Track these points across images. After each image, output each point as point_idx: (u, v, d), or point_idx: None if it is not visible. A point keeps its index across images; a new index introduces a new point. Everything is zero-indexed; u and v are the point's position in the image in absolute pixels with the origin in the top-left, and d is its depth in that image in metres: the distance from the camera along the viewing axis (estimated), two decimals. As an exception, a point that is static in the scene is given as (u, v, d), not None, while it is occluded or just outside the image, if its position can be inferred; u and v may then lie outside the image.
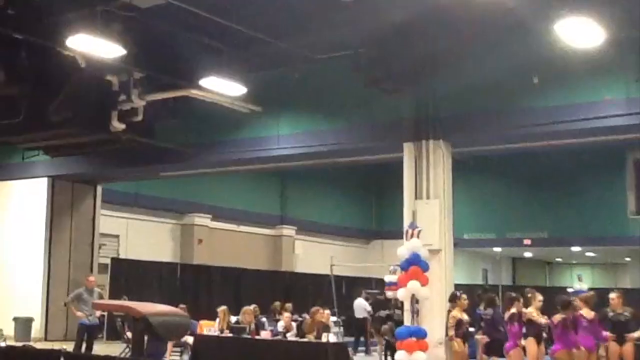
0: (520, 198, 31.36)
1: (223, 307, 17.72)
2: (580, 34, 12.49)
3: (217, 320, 17.54)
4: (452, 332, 13.68)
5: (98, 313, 17.29)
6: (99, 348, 17.13)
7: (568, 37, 12.78)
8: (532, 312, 13.08)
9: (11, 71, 16.18)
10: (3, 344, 14.36)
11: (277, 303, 22.82)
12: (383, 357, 18.85)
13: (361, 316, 23.16)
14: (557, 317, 12.66)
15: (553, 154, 24.83)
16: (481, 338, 14.76)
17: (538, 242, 32.21)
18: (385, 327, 18.39)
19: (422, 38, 14.87)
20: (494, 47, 15.17)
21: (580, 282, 20.87)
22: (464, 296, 14.23)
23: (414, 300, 13.98)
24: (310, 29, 15.14)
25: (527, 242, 32.15)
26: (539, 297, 13.32)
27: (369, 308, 24.08)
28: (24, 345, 14.26)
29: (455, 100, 15.96)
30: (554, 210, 30.40)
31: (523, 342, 13.02)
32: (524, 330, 13.03)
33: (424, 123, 16.20)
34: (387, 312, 18.82)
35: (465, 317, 13.96)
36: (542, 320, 12.87)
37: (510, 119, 15.51)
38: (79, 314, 16.75)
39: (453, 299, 14.24)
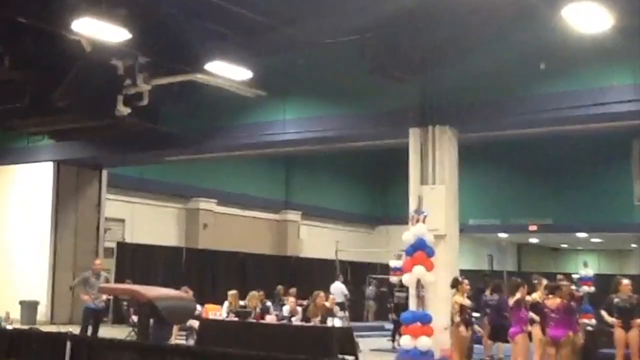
0: (526, 184, 31.24)
1: (234, 292, 17.78)
2: (588, 19, 12.44)
3: (226, 303, 17.58)
4: (457, 318, 13.67)
5: (104, 297, 17.32)
6: (104, 331, 17.17)
7: (575, 23, 12.72)
8: (537, 297, 13.10)
9: (16, 56, 16.15)
10: (10, 327, 14.42)
11: (280, 287, 22.87)
12: None
13: (339, 300, 23.25)
14: (555, 302, 12.69)
15: (559, 140, 24.72)
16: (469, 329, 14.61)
17: (543, 228, 32.13)
18: None
19: (429, 24, 14.82)
20: (500, 33, 15.10)
21: (586, 268, 20.80)
22: (466, 281, 14.20)
23: (420, 285, 13.97)
24: (316, 14, 15.09)
25: (532, 228, 32.08)
26: (545, 282, 13.33)
27: (347, 292, 24.21)
28: (30, 328, 14.29)
29: (462, 86, 15.91)
30: (559, 196, 30.28)
31: (529, 328, 13.01)
32: (529, 315, 13.02)
33: (430, 109, 16.18)
34: None
35: (467, 302, 13.95)
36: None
37: (517, 105, 15.46)
38: (85, 297, 16.77)
39: (455, 284, 14.23)
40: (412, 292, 14.60)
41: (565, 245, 46.26)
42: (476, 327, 14.88)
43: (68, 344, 11.01)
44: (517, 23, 14.60)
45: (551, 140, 24.01)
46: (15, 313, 21.23)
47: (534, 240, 41.13)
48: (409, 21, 14.57)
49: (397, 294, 20.24)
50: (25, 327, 16.37)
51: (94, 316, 16.77)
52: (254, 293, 17.79)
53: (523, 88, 15.52)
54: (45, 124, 20.04)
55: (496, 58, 15.27)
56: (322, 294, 17.19)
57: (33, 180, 23.58)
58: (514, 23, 14.66)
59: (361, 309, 29.53)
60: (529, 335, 12.99)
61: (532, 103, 15.30)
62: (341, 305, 22.92)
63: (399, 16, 14.32)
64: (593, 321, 16.24)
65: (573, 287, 14.87)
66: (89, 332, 16.49)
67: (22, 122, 20.06)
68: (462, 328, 13.63)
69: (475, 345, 15.18)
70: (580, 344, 13.50)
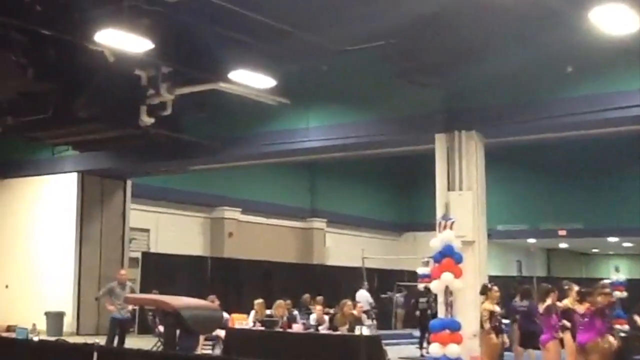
0: (554, 188, 30.95)
1: (260, 300, 17.70)
2: (616, 22, 12.22)
3: (253, 312, 17.49)
4: (487, 325, 13.50)
5: (130, 307, 17.27)
6: (130, 342, 17.11)
7: (602, 25, 12.52)
8: (568, 303, 12.90)
9: (40, 67, 16.13)
10: (36, 339, 14.42)
11: (307, 295, 22.76)
12: None
13: (365, 308, 23.13)
14: (584, 307, 12.46)
15: (588, 143, 24.37)
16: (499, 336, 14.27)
17: (573, 233, 31.78)
18: None
19: (453, 28, 14.62)
20: (526, 36, 14.91)
21: (617, 273, 20.54)
22: (495, 288, 14.05)
23: (448, 292, 13.82)
24: (338, 21, 14.97)
25: (562, 233, 31.75)
26: (576, 288, 13.12)
27: (371, 300, 24.05)
28: (57, 340, 14.28)
29: (487, 90, 15.76)
30: (589, 200, 29.95)
31: (561, 334, 12.78)
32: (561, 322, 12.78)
33: (456, 114, 16.07)
34: None
35: (497, 308, 13.76)
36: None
37: (544, 108, 15.26)
38: (110, 307, 16.76)
39: (484, 291, 14.07)
40: (441, 299, 14.45)
41: (596, 250, 45.77)
42: (506, 338, 14.58)
43: (95, 355, 10.98)
44: (543, 26, 14.39)
45: (580, 143, 23.68)
46: (41, 324, 21.26)
47: (563, 245, 40.71)
48: (433, 25, 14.40)
49: (420, 299, 20.12)
50: (52, 338, 16.34)
51: (120, 326, 16.78)
52: (280, 302, 17.69)
53: (550, 91, 15.32)
54: (69, 134, 20.06)
55: (522, 61, 15.08)
56: (349, 302, 17.06)
57: (58, 192, 23.61)
58: (539, 26, 14.45)
59: (389, 316, 29.35)
60: (561, 341, 12.78)
61: (559, 106, 15.10)
62: (368, 314, 22.78)
63: (423, 20, 14.16)
64: (626, 327, 15.99)
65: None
66: (115, 342, 16.47)
67: (46, 133, 20.10)
68: (492, 335, 13.47)
69: (506, 353, 14.95)
70: (606, 348, 13.20)
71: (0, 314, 22.23)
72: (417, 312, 20.42)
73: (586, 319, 12.38)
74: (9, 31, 15.07)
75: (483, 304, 13.83)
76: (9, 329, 20.08)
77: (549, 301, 12.96)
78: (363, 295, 23.83)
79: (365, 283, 25.46)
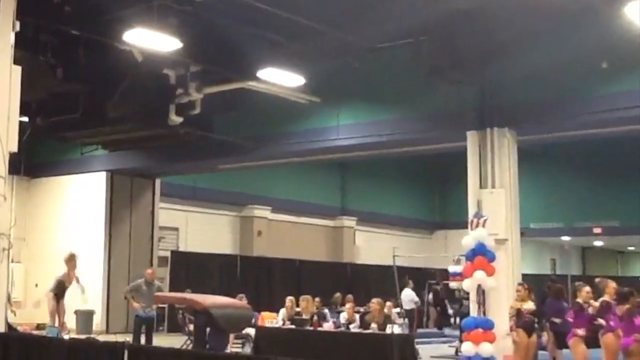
0: (589, 185, 30.54)
1: (292, 297, 17.68)
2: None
3: (283, 310, 17.42)
4: (510, 323, 13.36)
5: (154, 305, 17.19)
6: (160, 340, 17.10)
7: (638, 20, 12.32)
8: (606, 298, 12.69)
9: (69, 68, 16.19)
10: (66, 337, 14.46)
11: (338, 295, 22.68)
12: None
13: (408, 307, 22.91)
14: (622, 308, 12.18)
15: (623, 140, 23.97)
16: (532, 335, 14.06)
17: (609, 231, 31.39)
18: None
19: (485, 24, 14.46)
20: (560, 31, 14.75)
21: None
22: (519, 287, 13.81)
23: (480, 290, 13.68)
24: (369, 18, 14.84)
25: (597, 230, 31.38)
26: (613, 284, 12.92)
27: (417, 299, 23.86)
28: (87, 338, 14.28)
29: (520, 87, 15.62)
30: (625, 197, 29.49)
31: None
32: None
33: (488, 111, 15.94)
34: None
35: (526, 307, 13.52)
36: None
37: (578, 105, 15.10)
38: (135, 305, 16.70)
39: None
40: (473, 297, 14.31)
41: (632, 248, 45.15)
42: (544, 338, 14.31)
43: (125, 353, 10.94)
44: (577, 21, 14.21)
45: (615, 139, 23.34)
46: (71, 323, 21.32)
47: (598, 243, 40.19)
48: (466, 22, 14.23)
49: (464, 302, 19.83)
50: (82, 336, 16.37)
51: (145, 324, 16.70)
52: (306, 297, 17.58)
53: (584, 88, 15.14)
54: (98, 134, 20.17)
55: (556, 58, 14.90)
56: (379, 300, 16.93)
57: (87, 191, 23.70)
58: (574, 21, 14.27)
59: (421, 315, 29.14)
60: (596, 340, 12.50)
61: (593, 103, 14.93)
62: (409, 313, 22.59)
63: (455, 17, 14.01)
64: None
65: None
66: (143, 341, 16.41)
67: (75, 133, 20.22)
68: (514, 333, 13.29)
69: (541, 352, 14.71)
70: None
71: (30, 312, 22.35)
72: (450, 311, 20.23)
73: (623, 321, 12.12)
74: (38, 32, 15.12)
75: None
76: (39, 327, 20.17)
77: (579, 299, 12.78)
78: (408, 295, 23.65)
79: (410, 282, 25.29)
